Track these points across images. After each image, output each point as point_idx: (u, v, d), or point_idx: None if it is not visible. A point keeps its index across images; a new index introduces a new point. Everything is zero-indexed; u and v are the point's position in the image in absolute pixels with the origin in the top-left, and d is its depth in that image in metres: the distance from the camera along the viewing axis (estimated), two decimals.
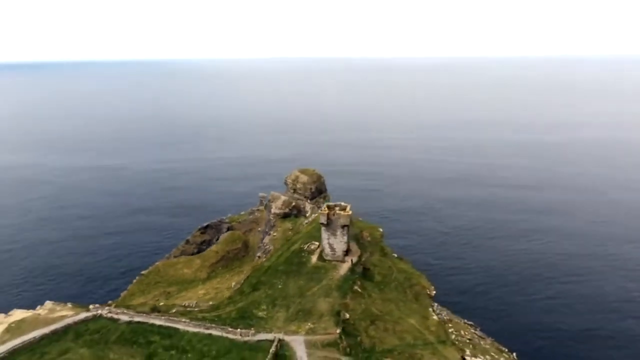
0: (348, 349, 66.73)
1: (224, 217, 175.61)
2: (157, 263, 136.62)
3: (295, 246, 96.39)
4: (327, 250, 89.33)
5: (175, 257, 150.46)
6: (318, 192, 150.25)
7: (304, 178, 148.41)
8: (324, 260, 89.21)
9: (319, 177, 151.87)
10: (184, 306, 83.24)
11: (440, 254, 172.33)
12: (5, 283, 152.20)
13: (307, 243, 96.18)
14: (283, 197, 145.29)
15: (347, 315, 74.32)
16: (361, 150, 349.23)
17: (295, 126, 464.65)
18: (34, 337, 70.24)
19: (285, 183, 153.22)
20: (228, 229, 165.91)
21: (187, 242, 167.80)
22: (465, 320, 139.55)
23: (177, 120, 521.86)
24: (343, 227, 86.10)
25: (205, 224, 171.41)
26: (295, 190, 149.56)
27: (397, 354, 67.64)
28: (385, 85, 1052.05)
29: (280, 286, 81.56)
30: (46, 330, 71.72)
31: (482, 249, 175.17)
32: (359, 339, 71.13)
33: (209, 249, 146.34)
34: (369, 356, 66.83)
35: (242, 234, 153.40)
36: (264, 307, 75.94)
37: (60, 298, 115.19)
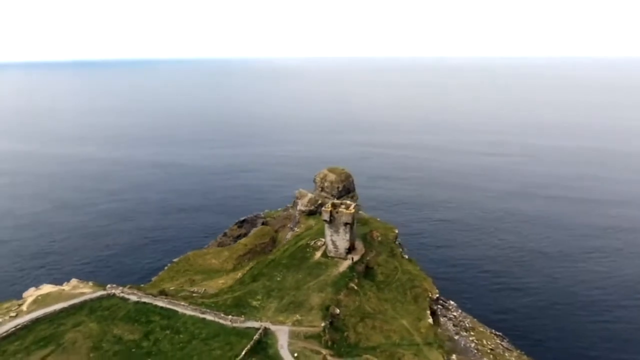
0: (330, 343, 68.69)
1: (261, 213, 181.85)
2: (188, 252, 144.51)
3: (303, 242, 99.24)
4: (330, 247, 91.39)
5: (208, 247, 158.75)
6: (346, 191, 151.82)
7: (331, 177, 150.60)
8: (327, 257, 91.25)
9: (348, 177, 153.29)
10: (192, 292, 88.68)
11: (481, 263, 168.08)
12: (58, 259, 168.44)
13: (314, 239, 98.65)
14: (309, 195, 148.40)
15: (338, 311, 76.15)
16: (415, 152, 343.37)
17: (349, 126, 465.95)
18: (55, 310, 78.37)
19: (314, 181, 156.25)
20: (263, 224, 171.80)
21: (225, 234, 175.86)
22: (494, 331, 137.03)
23: (232, 116, 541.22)
24: (345, 224, 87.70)
25: (242, 218, 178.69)
26: (322, 189, 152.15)
27: (379, 352, 68.65)
28: (441, 86, 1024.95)
29: (278, 279, 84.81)
30: (66, 304, 79.72)
31: (531, 265, 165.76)
32: (345, 334, 72.90)
33: (238, 242, 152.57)
34: (351, 351, 68.42)
35: (271, 229, 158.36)
36: (259, 297, 79.52)
37: (99, 278, 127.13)
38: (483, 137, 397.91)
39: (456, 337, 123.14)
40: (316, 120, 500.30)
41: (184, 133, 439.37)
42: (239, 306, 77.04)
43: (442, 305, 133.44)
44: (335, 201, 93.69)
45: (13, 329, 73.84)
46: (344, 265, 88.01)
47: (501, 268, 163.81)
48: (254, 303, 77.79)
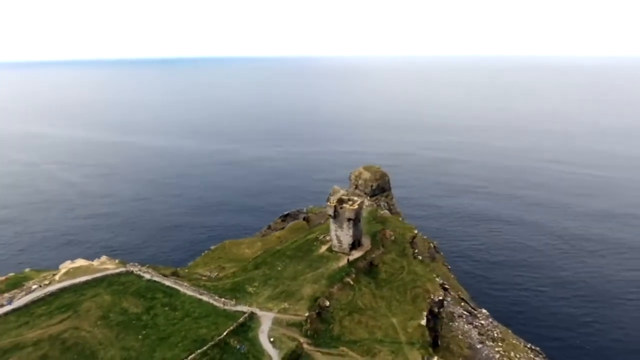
0: (310, 332, 70.83)
1: (303, 208, 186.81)
2: (225, 241, 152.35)
3: (312, 235, 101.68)
4: (335, 241, 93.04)
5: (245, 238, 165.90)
6: (380, 189, 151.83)
7: (366, 175, 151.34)
8: (332, 252, 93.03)
9: (383, 175, 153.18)
10: (205, 276, 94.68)
11: (523, 271, 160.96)
12: (107, 237, 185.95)
13: (324, 234, 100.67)
14: (341, 192, 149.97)
15: (327, 303, 77.98)
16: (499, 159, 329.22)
17: (424, 126, 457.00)
18: (80, 281, 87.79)
19: (349, 178, 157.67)
20: (304, 219, 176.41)
21: (269, 227, 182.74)
22: (530, 345, 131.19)
23: (303, 113, 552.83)
24: (349, 220, 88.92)
25: (285, 213, 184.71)
26: (357, 186, 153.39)
27: (357, 346, 69.70)
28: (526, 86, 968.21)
29: (279, 268, 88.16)
30: (90, 277, 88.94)
31: (593, 287, 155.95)
32: (331, 326, 74.54)
33: (272, 234, 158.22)
34: (329, 342, 70.12)
35: (305, 224, 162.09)
36: (256, 284, 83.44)
37: (139, 258, 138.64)
38: (584, 145, 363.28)
39: (479, 346, 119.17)
40: (395, 121, 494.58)
41: (249, 129, 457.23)
42: (235, 291, 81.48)
43: (470, 313, 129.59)
44: (343, 197, 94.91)
45: (43, 295, 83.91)
46: (345, 260, 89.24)
47: (555, 287, 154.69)
48: (250, 289, 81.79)
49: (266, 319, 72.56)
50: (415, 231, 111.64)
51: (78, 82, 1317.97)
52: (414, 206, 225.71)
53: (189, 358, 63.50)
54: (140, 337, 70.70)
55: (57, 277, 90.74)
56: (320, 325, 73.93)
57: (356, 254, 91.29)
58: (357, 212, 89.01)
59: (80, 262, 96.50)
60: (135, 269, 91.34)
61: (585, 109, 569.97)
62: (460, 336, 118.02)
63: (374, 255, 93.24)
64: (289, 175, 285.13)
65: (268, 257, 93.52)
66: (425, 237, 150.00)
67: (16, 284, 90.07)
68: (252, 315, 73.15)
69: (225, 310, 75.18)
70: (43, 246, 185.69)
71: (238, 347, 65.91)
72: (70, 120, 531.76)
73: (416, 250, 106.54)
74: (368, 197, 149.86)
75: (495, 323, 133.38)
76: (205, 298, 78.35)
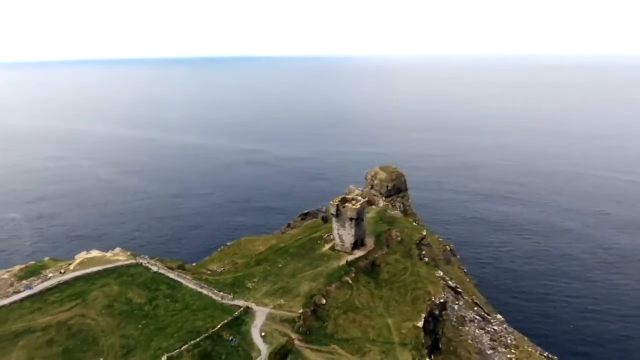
0: (303, 329, 71.77)
1: (323, 207, 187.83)
2: (241, 238, 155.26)
3: (318, 234, 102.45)
4: (337, 240, 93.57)
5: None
6: (396, 190, 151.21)
7: (382, 175, 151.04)
8: (334, 251, 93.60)
9: (399, 176, 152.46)
10: (211, 270, 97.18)
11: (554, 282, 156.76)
12: (131, 229, 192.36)
13: (329, 233, 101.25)
14: (356, 192, 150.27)
15: (324, 301, 78.70)
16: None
17: (465, 128, 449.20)
18: (92, 271, 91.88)
19: (366, 178, 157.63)
20: (322, 218, 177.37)
21: (289, 225, 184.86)
22: (548, 355, 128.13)
23: (336, 113, 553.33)
24: (351, 220, 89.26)
25: (305, 212, 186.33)
26: (372, 187, 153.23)
27: (349, 345, 70.10)
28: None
29: (280, 265, 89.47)
30: (101, 268, 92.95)
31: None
32: (325, 324, 75.23)
33: (289, 232, 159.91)
34: (321, 340, 70.85)
35: (322, 223, 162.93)
36: (255, 280, 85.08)
37: (158, 251, 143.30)
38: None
39: (489, 352, 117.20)
40: (442, 122, 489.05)
41: (280, 128, 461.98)
42: (235, 286, 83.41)
43: (483, 318, 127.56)
44: (348, 196, 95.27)
45: (57, 283, 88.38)
46: (346, 259, 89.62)
47: (586, 300, 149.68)
48: (249, 285, 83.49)
49: (261, 314, 73.97)
50: (425, 233, 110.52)
51: (115, 81, 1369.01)
52: (437, 209, 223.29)
53: (182, 348, 65.50)
54: (140, 326, 73.54)
55: (72, 267, 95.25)
56: (315, 323, 74.68)
57: (358, 254, 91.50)
58: (359, 212, 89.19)
59: (95, 254, 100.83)
60: (145, 261, 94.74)
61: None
62: (470, 341, 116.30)
63: (377, 256, 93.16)
64: (318, 175, 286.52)
65: (271, 254, 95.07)
66: (441, 239, 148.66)
67: (35, 272, 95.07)
68: (247, 310, 74.69)
69: (222, 304, 77.08)
70: (71, 237, 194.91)
71: (230, 339, 67.56)
72: (104, 117, 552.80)
73: (423, 252, 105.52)
74: (383, 198, 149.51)
75: (511, 330, 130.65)
76: (205, 292, 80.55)
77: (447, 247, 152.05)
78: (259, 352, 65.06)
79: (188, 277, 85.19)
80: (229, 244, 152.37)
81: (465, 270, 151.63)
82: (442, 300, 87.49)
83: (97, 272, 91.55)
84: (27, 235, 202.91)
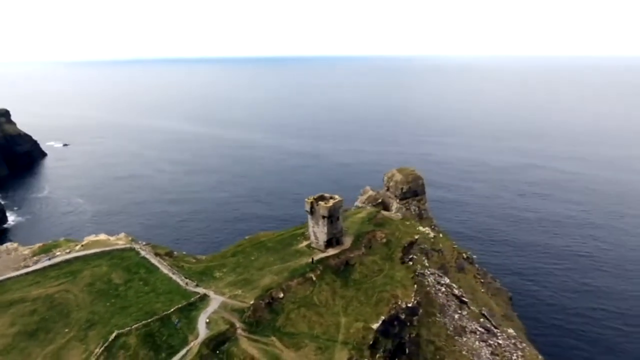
0: (250, 319, 74.17)
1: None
2: (259, 232, 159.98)
3: (300, 230, 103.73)
4: (312, 237, 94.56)
5: None
6: (412, 193, 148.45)
7: (398, 177, 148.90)
8: (309, 247, 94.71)
9: (416, 179, 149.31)
10: (197, 259, 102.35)
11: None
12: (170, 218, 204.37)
13: None
14: (370, 193, 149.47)
15: (281, 295, 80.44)
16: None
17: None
18: (91, 252, 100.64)
19: (383, 179, 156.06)
20: None
21: None
22: None
23: (400, 114, 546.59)
24: (323, 217, 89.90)
25: None
26: (388, 188, 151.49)
27: (288, 338, 71.40)
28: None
29: (252, 258, 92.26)
30: (100, 250, 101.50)
31: None
32: (277, 317, 77.03)
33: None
34: (264, 331, 72.77)
35: None
36: (224, 270, 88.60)
37: (191, 243, 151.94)
38: None
39: None
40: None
41: (343, 127, 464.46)
42: (202, 274, 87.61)
43: (487, 330, 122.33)
44: (326, 195, 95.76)
45: (59, 261, 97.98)
46: (317, 256, 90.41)
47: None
48: (217, 274, 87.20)
49: (215, 302, 77.25)
50: (416, 237, 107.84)
51: (187, 79, 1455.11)
52: (469, 214, 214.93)
53: (133, 327, 70.57)
54: (108, 304, 79.91)
55: (77, 248, 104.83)
56: (268, 315, 76.61)
57: (330, 252, 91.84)
58: (331, 210, 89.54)
59: (101, 237, 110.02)
60: (138, 246, 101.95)
61: None
62: (464, 352, 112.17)
63: (351, 255, 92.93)
64: (365, 176, 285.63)
65: (249, 247, 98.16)
66: (455, 246, 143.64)
67: (47, 250, 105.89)
68: (203, 297, 78.34)
69: (185, 289, 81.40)
70: (117, 220, 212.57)
71: (175, 322, 71.54)
72: (172, 113, 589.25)
73: (411, 256, 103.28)
74: (397, 200, 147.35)
75: (522, 345, 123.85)
76: (174, 277, 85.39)
77: (463, 254, 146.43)
78: (197, 336, 68.21)
79: (165, 263, 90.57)
80: (247, 237, 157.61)
81: (482, 280, 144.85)
82: (409, 305, 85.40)
83: (95, 254, 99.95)
84: (86, 217, 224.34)
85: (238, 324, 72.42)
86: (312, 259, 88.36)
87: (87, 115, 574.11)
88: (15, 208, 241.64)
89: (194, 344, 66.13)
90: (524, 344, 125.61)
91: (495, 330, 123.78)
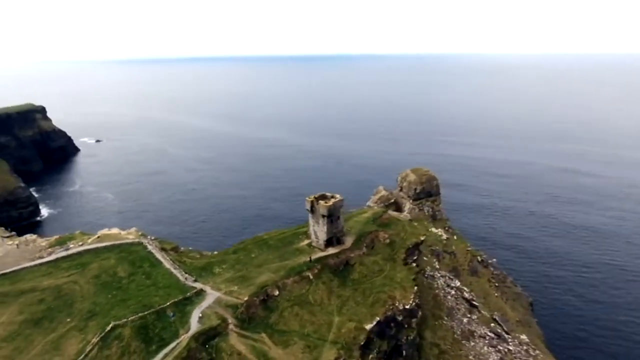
0: (243, 316, 75.11)
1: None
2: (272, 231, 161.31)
3: (303, 229, 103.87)
4: (313, 236, 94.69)
5: None
6: (425, 193, 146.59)
7: (411, 177, 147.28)
8: (310, 246, 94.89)
9: (430, 179, 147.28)
10: (199, 254, 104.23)
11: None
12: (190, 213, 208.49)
13: None
14: (382, 192, 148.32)
15: (277, 293, 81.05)
16: None
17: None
18: (102, 246, 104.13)
19: (397, 179, 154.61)
20: None
21: None
22: None
23: (426, 114, 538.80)
24: (323, 216, 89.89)
25: None
26: (401, 188, 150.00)
27: (278, 335, 71.93)
28: None
29: (253, 255, 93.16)
30: (110, 243, 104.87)
31: None
32: (272, 314, 77.74)
33: None
34: (257, 328, 73.56)
35: None
36: (224, 266, 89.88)
37: (208, 239, 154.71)
38: None
39: None
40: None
41: (366, 126, 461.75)
42: (203, 269, 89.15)
43: (498, 335, 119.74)
44: (328, 194, 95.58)
45: (72, 253, 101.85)
46: (316, 255, 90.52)
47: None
48: (217, 270, 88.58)
49: (210, 297, 78.62)
50: (422, 238, 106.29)
51: (215, 77, 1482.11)
52: (495, 217, 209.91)
53: (129, 318, 72.71)
54: (109, 296, 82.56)
55: (89, 241, 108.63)
56: (262, 312, 77.35)
57: (330, 251, 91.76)
58: (331, 209, 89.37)
59: (114, 231, 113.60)
60: (146, 240, 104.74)
61: None
62: (471, 357, 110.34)
63: (351, 255, 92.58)
64: (387, 176, 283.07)
65: (250, 244, 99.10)
66: (469, 248, 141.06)
67: (62, 242, 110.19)
68: (200, 292, 79.81)
69: (184, 284, 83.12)
70: (140, 215, 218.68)
71: (170, 315, 73.21)
72: (200, 111, 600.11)
73: (416, 257, 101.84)
74: (410, 200, 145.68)
75: (534, 353, 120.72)
76: (175, 272, 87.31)
77: (477, 257, 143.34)
78: (188, 330, 69.60)
79: (168, 258, 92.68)
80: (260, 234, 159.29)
81: (497, 285, 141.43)
82: (407, 307, 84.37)
83: (105, 247, 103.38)
84: (113, 211, 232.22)
85: (230, 320, 73.41)
86: (310, 257, 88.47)
87: (119, 112, 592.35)
88: (48, 201, 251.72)
89: (184, 338, 67.44)
90: (538, 351, 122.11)
91: (506, 336, 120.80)
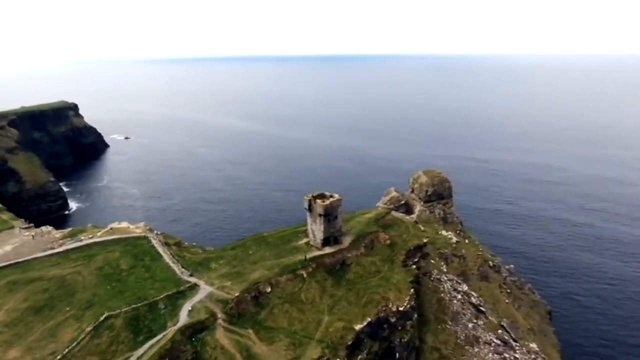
0: (233, 311, 76.02)
1: None
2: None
3: (303, 228, 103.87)
4: (310, 235, 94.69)
5: None
6: (437, 196, 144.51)
7: (423, 179, 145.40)
8: (308, 245, 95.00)
9: (442, 181, 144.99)
10: (202, 250, 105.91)
11: None
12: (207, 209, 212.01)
13: None
14: (393, 194, 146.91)
15: (269, 290, 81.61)
16: None
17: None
18: (110, 239, 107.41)
19: (409, 181, 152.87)
20: None
21: None
22: None
23: (455, 115, 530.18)
24: (320, 215, 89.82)
25: None
26: (413, 190, 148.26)
27: (264, 332, 72.41)
28: None
29: (250, 252, 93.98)
30: (118, 236, 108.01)
31: None
32: (262, 311, 78.38)
33: None
34: (246, 324, 74.28)
35: None
36: (221, 262, 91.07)
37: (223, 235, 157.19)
38: None
39: None
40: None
41: (396, 127, 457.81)
42: (200, 264, 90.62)
43: (505, 343, 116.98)
44: (327, 193, 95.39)
45: (81, 245, 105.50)
46: (312, 253, 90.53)
47: None
48: (213, 265, 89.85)
49: (203, 292, 79.87)
50: (425, 240, 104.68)
51: (248, 76, 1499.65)
52: (520, 223, 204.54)
53: (122, 310, 74.75)
54: (109, 287, 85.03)
55: (99, 233, 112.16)
56: (252, 308, 78.01)
57: (327, 250, 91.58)
58: (328, 209, 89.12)
59: (123, 224, 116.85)
60: (152, 235, 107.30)
61: None
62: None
63: (349, 255, 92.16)
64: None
65: (249, 241, 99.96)
66: (480, 253, 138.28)
67: (74, 234, 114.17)
68: (193, 287, 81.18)
69: (180, 278, 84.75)
70: (162, 210, 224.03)
71: (161, 307, 74.83)
72: (230, 110, 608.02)
73: (415, 260, 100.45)
74: (421, 203, 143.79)
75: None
76: (173, 266, 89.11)
77: (489, 262, 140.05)
78: (176, 323, 70.94)
79: (169, 253, 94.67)
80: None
81: (509, 291, 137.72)
82: (401, 309, 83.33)
83: (113, 240, 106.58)
84: (138, 206, 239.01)
85: (220, 315, 74.35)
86: (305, 256, 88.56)
87: (149, 111, 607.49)
88: (77, 195, 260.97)
89: (170, 330, 68.71)
90: None
91: (514, 344, 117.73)
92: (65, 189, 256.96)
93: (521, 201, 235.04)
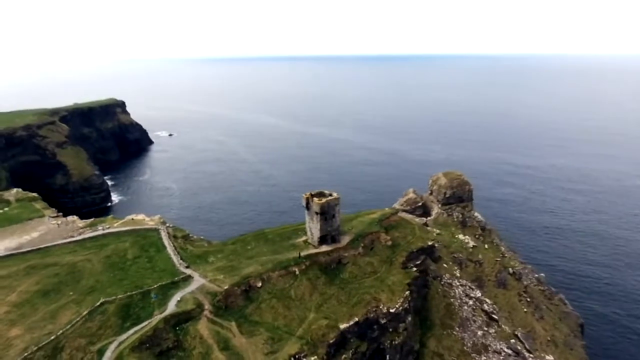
0: (220, 303, 77.73)
1: None
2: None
3: (304, 225, 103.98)
4: (308, 233, 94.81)
5: None
6: (456, 198, 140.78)
7: (442, 180, 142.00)
8: (306, 242, 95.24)
9: (461, 184, 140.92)
10: (208, 243, 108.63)
11: None
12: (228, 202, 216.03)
13: None
14: (410, 195, 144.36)
15: (260, 284, 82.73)
16: None
17: None
18: (123, 230, 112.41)
19: (428, 182, 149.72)
20: None
21: None
22: None
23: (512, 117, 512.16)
24: (316, 214, 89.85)
25: None
26: (431, 192, 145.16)
27: (248, 325, 73.52)
28: None
29: (248, 248, 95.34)
30: (131, 228, 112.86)
31: None
32: (251, 304, 79.68)
33: None
34: (231, 317, 75.78)
35: None
36: (219, 256, 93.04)
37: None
38: None
39: None
40: None
41: (436, 128, 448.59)
42: (199, 257, 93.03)
43: (517, 353, 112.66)
44: (326, 191, 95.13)
45: (97, 234, 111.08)
46: (307, 251, 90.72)
47: None
48: (211, 259, 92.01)
49: (196, 283, 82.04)
50: (430, 243, 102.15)
51: (291, 76, 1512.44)
52: (561, 230, 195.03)
53: (117, 297, 78.26)
54: (112, 275, 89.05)
55: (115, 224, 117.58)
56: (242, 302, 79.38)
57: (323, 249, 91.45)
58: (325, 207, 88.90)
59: (138, 217, 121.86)
60: (163, 227, 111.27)
61: None
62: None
63: (345, 254, 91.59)
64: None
65: (250, 237, 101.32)
66: (499, 259, 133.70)
67: (94, 225, 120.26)
68: (187, 278, 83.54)
69: (177, 270, 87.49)
70: (194, 207, 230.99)
71: (153, 296, 77.65)
72: (273, 109, 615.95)
73: (418, 262, 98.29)
74: (439, 205, 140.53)
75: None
76: (174, 258, 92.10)
77: (509, 269, 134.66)
78: (163, 311, 73.38)
79: (173, 245, 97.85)
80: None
81: (528, 299, 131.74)
82: (392, 310, 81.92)
83: (126, 231, 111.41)
84: (175, 201, 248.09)
85: (207, 306, 76.06)
86: (299, 253, 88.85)
87: (193, 109, 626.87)
88: (120, 188, 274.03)
89: (155, 318, 71.11)
90: None
91: (527, 354, 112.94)
92: (109, 183, 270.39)
93: (561, 211, 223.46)
